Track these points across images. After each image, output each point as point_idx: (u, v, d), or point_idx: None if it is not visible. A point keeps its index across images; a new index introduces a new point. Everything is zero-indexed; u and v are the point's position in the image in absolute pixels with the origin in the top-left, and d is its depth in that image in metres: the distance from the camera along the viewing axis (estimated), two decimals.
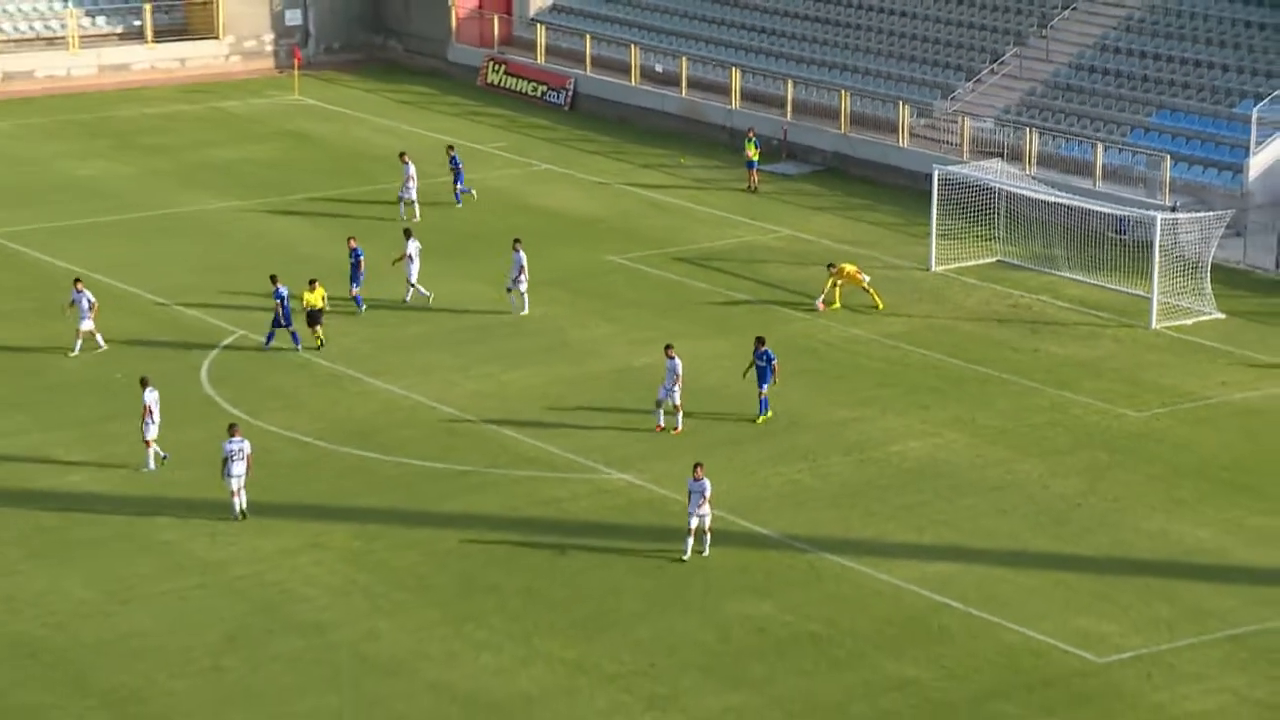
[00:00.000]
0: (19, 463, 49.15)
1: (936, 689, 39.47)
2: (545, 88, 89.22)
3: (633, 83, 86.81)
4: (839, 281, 61.55)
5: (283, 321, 56.54)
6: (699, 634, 41.65)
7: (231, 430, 46.25)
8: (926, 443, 51.54)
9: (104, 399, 53.28)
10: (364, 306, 60.11)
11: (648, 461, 50.29)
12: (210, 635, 41.01)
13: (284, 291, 56.41)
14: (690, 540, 44.38)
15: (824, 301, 61.47)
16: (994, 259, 66.65)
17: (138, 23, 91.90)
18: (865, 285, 61.56)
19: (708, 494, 44.25)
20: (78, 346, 56.25)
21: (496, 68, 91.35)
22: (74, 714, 37.88)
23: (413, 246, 61.33)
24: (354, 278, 60.22)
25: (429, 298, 61.21)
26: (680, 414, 51.64)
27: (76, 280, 57.17)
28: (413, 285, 61.31)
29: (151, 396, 48.79)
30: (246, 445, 46.01)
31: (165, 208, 71.57)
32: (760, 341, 52.20)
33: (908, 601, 43.07)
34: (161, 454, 49.11)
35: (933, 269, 66.00)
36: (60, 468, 48.87)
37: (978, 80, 79.26)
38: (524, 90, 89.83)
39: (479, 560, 44.75)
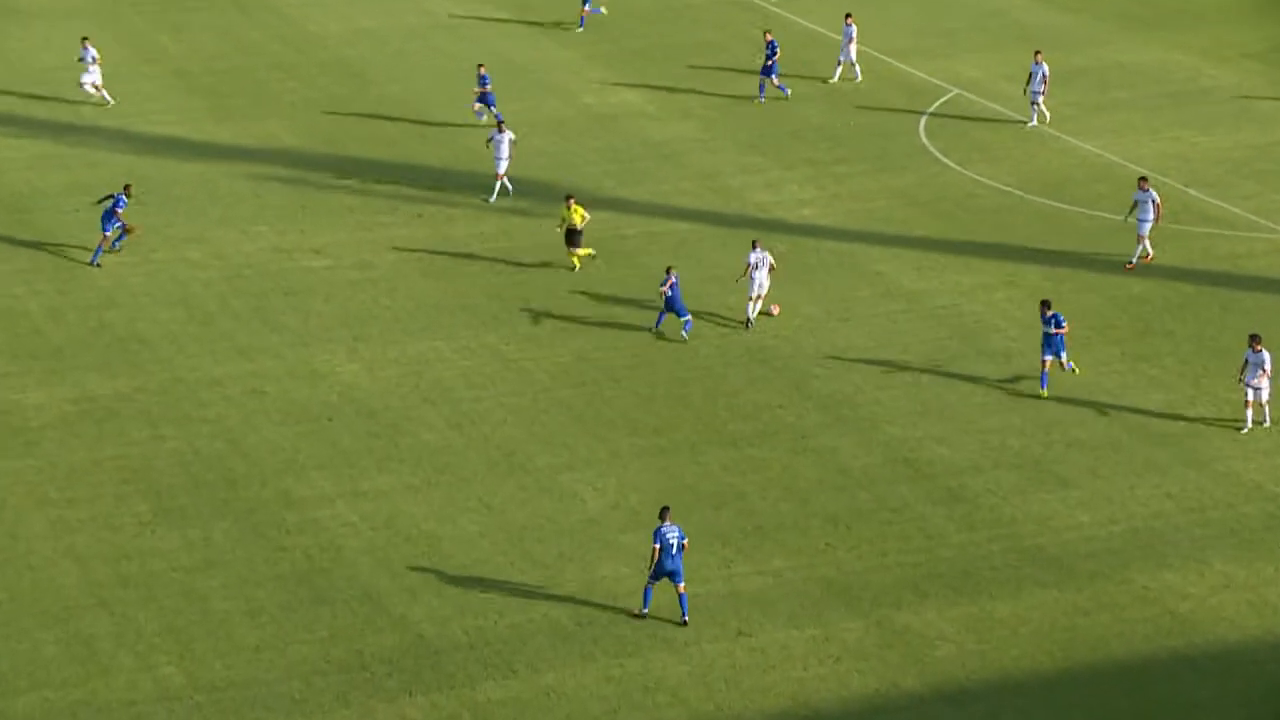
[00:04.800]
0: (816, 204, 50.32)
1: None
2: None
3: None
4: None
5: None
6: None
7: None
8: None
9: (835, 144, 53.90)
10: (788, 91, 56.41)
11: None
12: (912, 355, 41.46)
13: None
14: (1250, 414, 38.17)
15: None
16: None
17: None
18: None
19: (1267, 367, 37.65)
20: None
21: None
22: (795, 413, 39.06)
23: (852, 30, 57.74)
24: (767, 69, 56.03)
25: (859, 77, 58.06)
26: None
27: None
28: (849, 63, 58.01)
29: None
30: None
31: None
32: (1046, 305, 40.03)
33: None
34: None
35: None
36: (793, 200, 49.81)
37: None
38: None
39: (1157, 306, 43.64)
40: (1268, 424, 38.10)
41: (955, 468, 36.89)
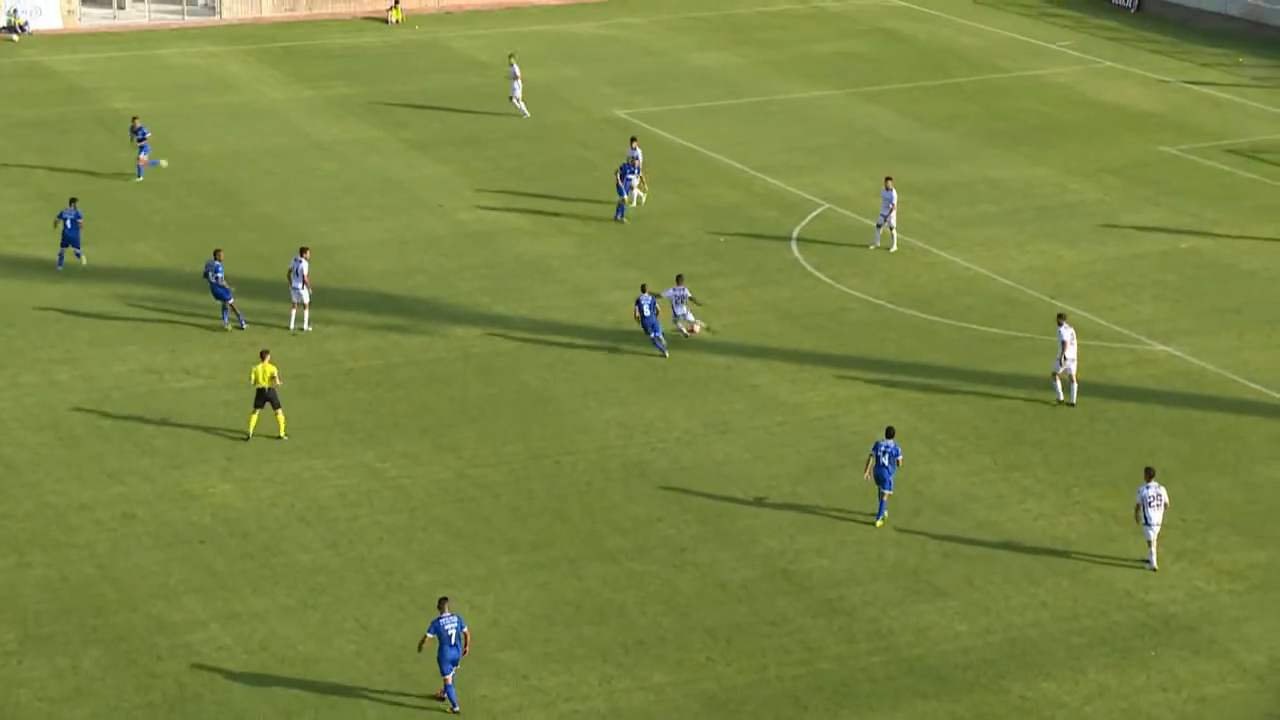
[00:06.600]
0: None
1: None
2: None
3: None
4: None
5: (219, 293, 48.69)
6: (1228, 494, 40.31)
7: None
8: None
9: (710, 258, 54.29)
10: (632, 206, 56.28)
11: (1189, 336, 48.69)
12: (789, 467, 41.64)
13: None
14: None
15: None
16: None
17: None
18: None
19: (1166, 500, 37.07)
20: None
21: None
22: (673, 526, 39.01)
23: (637, 152, 57.39)
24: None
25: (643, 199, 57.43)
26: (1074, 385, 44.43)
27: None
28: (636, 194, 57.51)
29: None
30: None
31: (768, 94, 72.26)
32: (890, 432, 39.58)
33: None
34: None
35: None
36: (669, 314, 50.01)
37: None
38: None
39: (1028, 416, 44.15)
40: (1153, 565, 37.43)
41: (834, 579, 36.98)
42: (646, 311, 46.76)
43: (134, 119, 61.86)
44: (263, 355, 42.86)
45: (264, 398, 42.37)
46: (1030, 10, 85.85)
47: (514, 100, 68.02)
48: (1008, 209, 58.76)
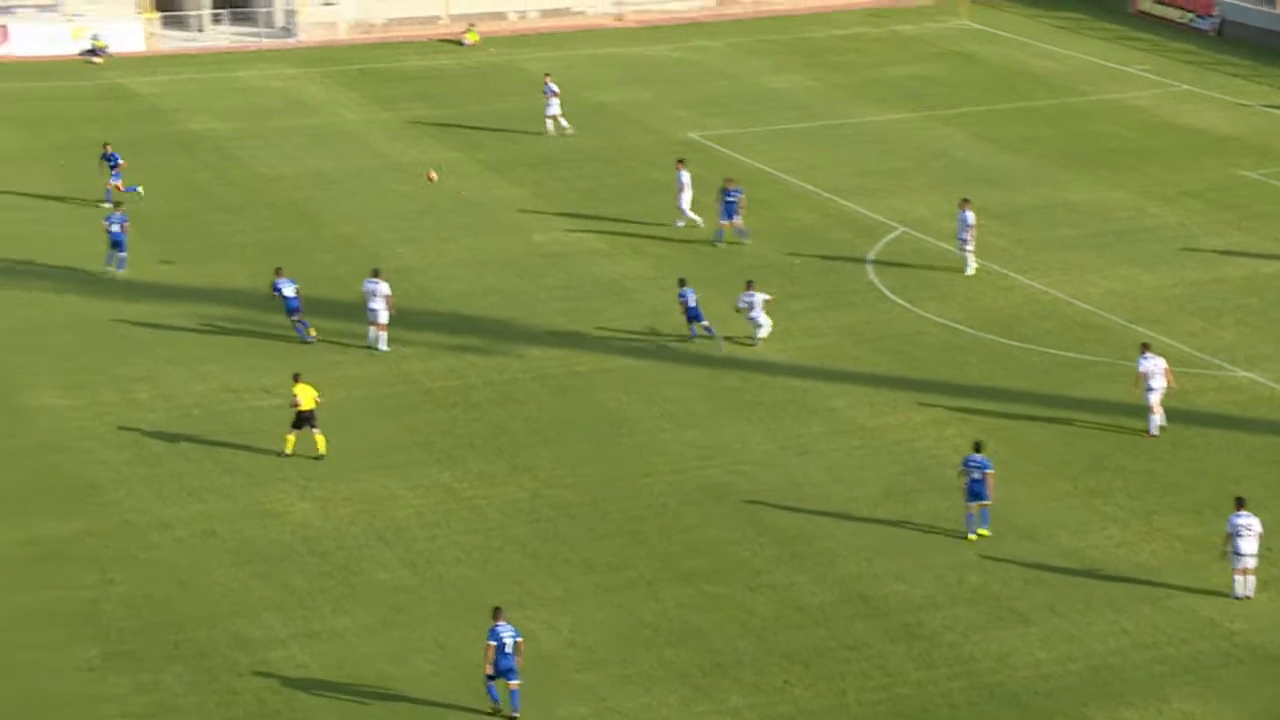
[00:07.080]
0: (769, 340, 50.38)
1: None
2: (1194, 15, 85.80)
3: None
4: None
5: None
6: None
7: None
8: None
9: (784, 282, 54.13)
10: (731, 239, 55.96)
11: (1272, 362, 48.22)
12: (867, 490, 41.45)
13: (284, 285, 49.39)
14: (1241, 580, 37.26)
15: None
16: None
17: None
18: None
19: (1257, 529, 36.77)
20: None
21: None
22: (750, 549, 38.89)
23: (685, 177, 57.51)
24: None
25: (700, 223, 57.35)
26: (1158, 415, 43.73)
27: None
28: (683, 211, 57.64)
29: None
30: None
31: (843, 117, 72.12)
32: (978, 447, 39.84)
33: None
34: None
35: None
36: (744, 337, 49.87)
37: None
38: (1173, 17, 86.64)
39: (1108, 442, 43.79)
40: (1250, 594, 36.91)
41: (913, 604, 36.75)
42: (691, 303, 48.52)
43: (105, 145, 61.20)
44: (296, 378, 42.96)
45: (303, 419, 42.44)
46: (1107, 34, 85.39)
47: (550, 118, 68.04)
48: (1086, 233, 58.39)
